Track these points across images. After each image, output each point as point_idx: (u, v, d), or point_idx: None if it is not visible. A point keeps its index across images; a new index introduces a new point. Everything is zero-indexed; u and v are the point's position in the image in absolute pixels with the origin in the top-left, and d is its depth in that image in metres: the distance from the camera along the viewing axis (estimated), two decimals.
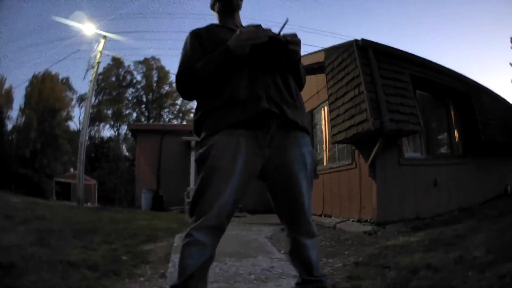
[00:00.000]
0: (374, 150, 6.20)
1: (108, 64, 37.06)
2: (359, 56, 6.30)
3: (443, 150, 8.19)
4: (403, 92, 6.50)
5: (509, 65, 19.30)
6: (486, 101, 8.78)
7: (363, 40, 6.41)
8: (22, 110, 28.85)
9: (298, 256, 1.79)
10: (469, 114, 8.17)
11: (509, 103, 10.14)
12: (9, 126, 27.53)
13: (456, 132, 8.31)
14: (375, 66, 6.28)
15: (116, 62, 36.85)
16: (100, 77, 34.29)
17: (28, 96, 29.18)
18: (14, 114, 29.29)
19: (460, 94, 8.16)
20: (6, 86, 27.67)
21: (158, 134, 12.66)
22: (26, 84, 29.50)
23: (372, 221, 6.30)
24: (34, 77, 29.49)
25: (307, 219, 1.76)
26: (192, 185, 10.95)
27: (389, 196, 6.43)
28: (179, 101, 39.60)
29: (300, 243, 1.77)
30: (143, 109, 39.73)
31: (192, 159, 11.36)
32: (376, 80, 6.13)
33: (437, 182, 7.15)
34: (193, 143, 11.45)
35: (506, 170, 9.40)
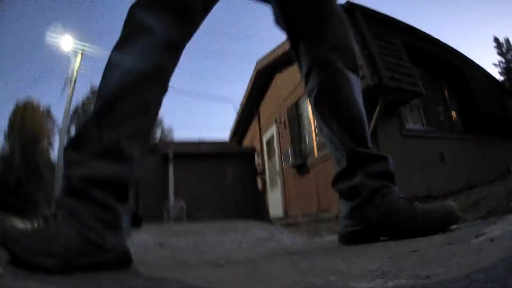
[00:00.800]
0: (375, 115, 5.47)
1: (88, 97, 36.27)
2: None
3: (444, 125, 7.59)
4: (398, 54, 5.92)
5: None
6: (478, 77, 8.38)
7: (348, 2, 5.85)
8: (6, 137, 28.86)
9: None
10: (464, 89, 7.71)
11: (497, 79, 9.88)
12: None
13: (453, 108, 7.78)
14: (364, 27, 5.70)
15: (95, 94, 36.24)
16: (80, 109, 33.78)
17: (11, 123, 29.06)
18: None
19: (453, 68, 7.68)
20: None
21: None
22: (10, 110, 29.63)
23: None
24: (17, 106, 29.40)
25: None
26: (171, 198, 10.34)
27: (396, 170, 5.65)
28: (158, 134, 38.75)
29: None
30: None
31: (171, 171, 10.78)
32: (367, 38, 5.53)
33: (443, 156, 6.49)
34: (171, 155, 10.92)
35: (505, 149, 8.96)
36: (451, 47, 7.89)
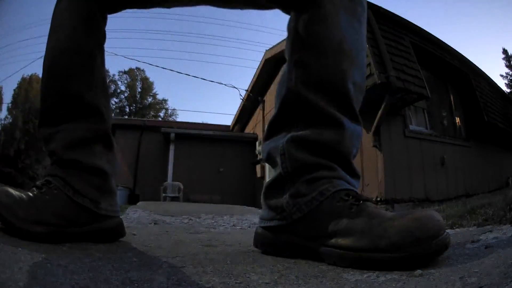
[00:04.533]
0: (379, 113, 5.45)
1: None
2: None
3: (447, 130, 7.54)
4: (406, 55, 5.87)
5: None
6: (484, 86, 8.31)
7: None
8: (9, 110, 28.84)
9: None
10: (470, 96, 7.64)
11: (504, 91, 9.78)
12: None
13: (458, 114, 7.72)
14: (375, 24, 5.63)
15: None
16: None
17: (15, 97, 29.11)
18: (3, 115, 29.78)
19: (461, 75, 7.60)
20: None
21: (137, 129, 12.06)
22: (15, 85, 29.69)
23: (379, 199, 5.45)
24: (22, 79, 29.41)
25: None
26: (169, 180, 10.27)
27: (397, 169, 5.68)
28: (161, 113, 38.63)
29: None
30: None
31: (171, 152, 10.67)
32: (377, 36, 5.47)
33: (444, 161, 6.48)
34: (172, 136, 10.79)
35: (506, 162, 8.95)
36: (460, 54, 7.80)
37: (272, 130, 0.95)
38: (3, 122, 28.71)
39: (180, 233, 1.42)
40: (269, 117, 9.04)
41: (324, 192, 0.80)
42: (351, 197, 0.78)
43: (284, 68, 0.97)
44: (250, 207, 6.20)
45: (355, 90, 0.89)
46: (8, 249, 0.66)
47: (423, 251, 0.63)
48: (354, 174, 0.87)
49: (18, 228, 0.77)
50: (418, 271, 0.60)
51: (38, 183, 0.89)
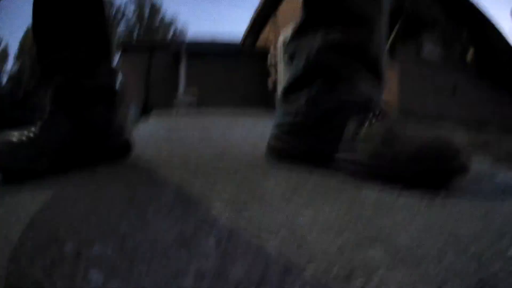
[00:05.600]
0: (392, 35, 5.25)
1: None
2: None
3: (459, 62, 7.33)
4: None
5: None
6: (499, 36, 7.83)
7: None
8: (16, 57, 29.00)
9: None
10: (483, 35, 7.25)
11: None
12: (4, 79, 27.94)
13: (471, 50, 7.39)
14: None
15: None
16: None
17: (22, 44, 29.10)
18: (9, 67, 30.08)
19: (476, 18, 7.14)
20: (3, 44, 27.98)
21: (147, 50, 11.82)
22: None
23: (393, 108, 5.46)
24: (28, 29, 29.03)
25: None
26: (181, 93, 10.27)
27: (410, 90, 5.64)
28: (171, 28, 37.73)
29: None
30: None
31: (182, 69, 10.59)
32: None
33: (456, 89, 6.41)
34: (183, 50, 10.73)
35: None
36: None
37: (300, 30, 0.86)
38: (9, 72, 29.36)
39: (192, 145, 1.40)
40: (280, 30, 8.71)
41: (343, 99, 0.75)
42: (372, 107, 0.73)
43: None
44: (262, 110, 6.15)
45: None
46: (12, 194, 0.62)
47: (445, 166, 0.59)
48: (381, 77, 0.81)
49: (21, 170, 0.71)
50: (442, 193, 0.56)
51: (42, 115, 0.84)
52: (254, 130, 2.24)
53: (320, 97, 0.78)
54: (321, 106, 0.77)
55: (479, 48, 7.47)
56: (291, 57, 0.88)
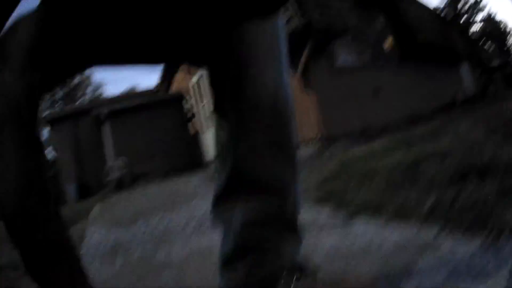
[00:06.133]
0: (304, 56, 5.38)
1: None
2: None
3: (378, 57, 7.53)
4: None
5: None
6: (414, 8, 8.37)
7: None
8: None
9: None
10: (399, 19, 7.59)
11: (434, 11, 10.01)
12: None
13: (388, 39, 7.57)
14: None
15: None
16: None
17: None
18: None
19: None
20: None
21: (73, 117, 11.65)
22: None
23: (317, 136, 5.56)
24: None
25: None
26: (111, 161, 9.96)
27: (330, 106, 5.70)
28: (89, 90, 36.23)
29: None
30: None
31: (107, 130, 10.38)
32: None
33: (378, 90, 6.54)
34: (103, 115, 10.44)
35: (452, 79, 9.04)
36: None
37: (220, 198, 0.90)
38: None
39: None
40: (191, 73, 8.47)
41: (274, 269, 0.82)
42: (295, 267, 0.83)
43: None
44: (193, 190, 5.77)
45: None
46: None
47: None
48: (298, 231, 0.88)
49: None
50: None
51: None
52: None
53: (255, 270, 0.82)
54: (257, 276, 0.81)
55: (397, 32, 7.58)
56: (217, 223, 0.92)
